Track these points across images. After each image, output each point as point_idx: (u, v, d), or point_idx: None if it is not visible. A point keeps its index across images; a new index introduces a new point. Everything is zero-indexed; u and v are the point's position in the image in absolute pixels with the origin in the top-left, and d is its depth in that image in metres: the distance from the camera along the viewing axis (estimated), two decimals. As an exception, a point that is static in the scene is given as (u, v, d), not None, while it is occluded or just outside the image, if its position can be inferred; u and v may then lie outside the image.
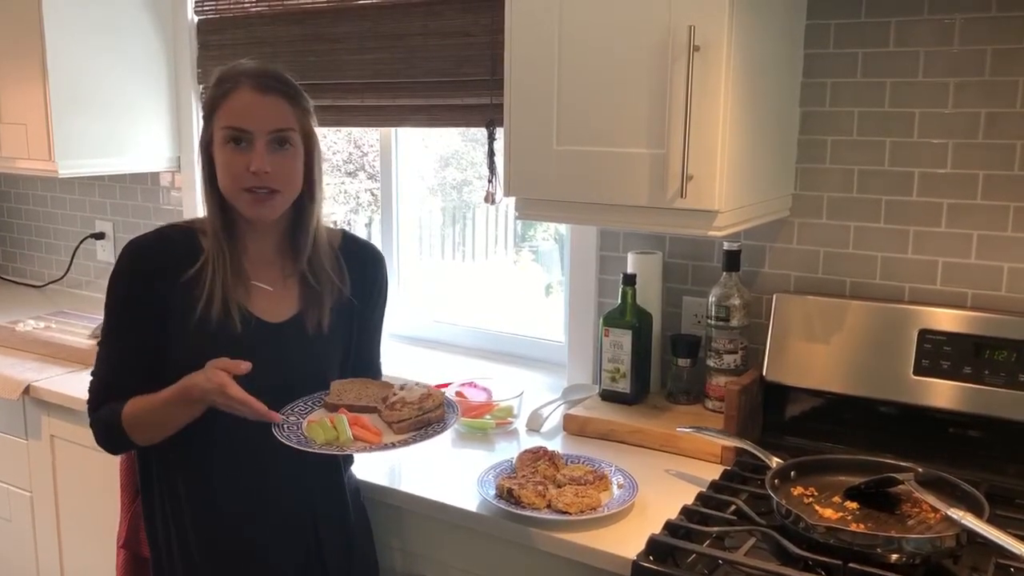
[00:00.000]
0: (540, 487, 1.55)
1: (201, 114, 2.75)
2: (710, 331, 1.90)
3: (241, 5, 2.61)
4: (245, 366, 1.40)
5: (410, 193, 2.63)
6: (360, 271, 1.65)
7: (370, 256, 1.70)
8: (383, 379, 1.70)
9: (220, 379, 1.38)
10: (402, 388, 1.55)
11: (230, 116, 1.47)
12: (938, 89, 1.71)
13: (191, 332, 1.49)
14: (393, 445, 1.45)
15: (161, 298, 1.50)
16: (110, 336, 1.55)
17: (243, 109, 1.47)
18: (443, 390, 1.62)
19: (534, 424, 1.94)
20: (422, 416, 1.49)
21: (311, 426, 1.45)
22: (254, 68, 1.51)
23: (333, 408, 1.51)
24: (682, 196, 1.52)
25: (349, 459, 1.70)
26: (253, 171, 1.45)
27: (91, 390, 1.56)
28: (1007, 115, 1.66)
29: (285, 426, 1.45)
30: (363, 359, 1.69)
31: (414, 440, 1.46)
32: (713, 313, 1.88)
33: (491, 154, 2.17)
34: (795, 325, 1.81)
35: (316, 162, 1.56)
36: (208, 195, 1.54)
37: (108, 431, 1.53)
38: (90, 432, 1.56)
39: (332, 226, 1.70)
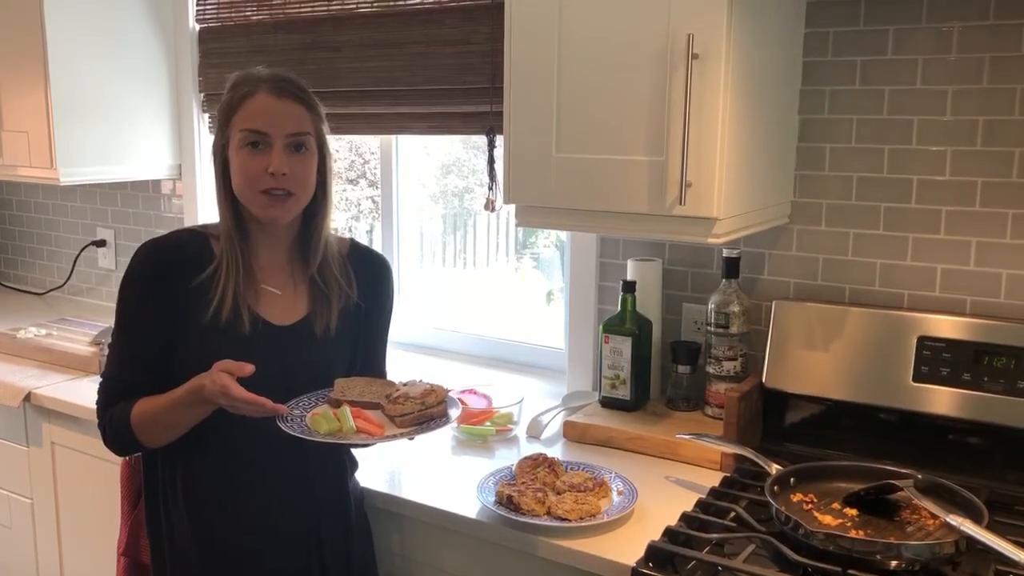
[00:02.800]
0: (540, 494, 1.55)
1: (208, 120, 2.78)
2: (710, 338, 1.90)
3: (242, 13, 2.62)
4: (249, 368, 1.41)
5: (411, 200, 2.63)
6: (367, 278, 1.67)
7: (377, 264, 1.71)
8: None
9: (223, 381, 1.39)
10: (405, 384, 1.56)
11: (248, 119, 1.49)
12: (936, 97, 1.72)
13: (201, 334, 1.50)
14: (395, 436, 1.46)
15: (172, 299, 1.51)
16: (121, 336, 1.56)
17: (262, 112, 1.49)
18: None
19: (534, 431, 1.94)
20: (424, 411, 1.50)
21: (315, 418, 1.46)
22: (271, 73, 1.54)
23: (336, 404, 1.52)
24: (681, 203, 1.52)
25: (354, 465, 1.70)
26: (271, 172, 1.47)
27: (101, 389, 1.57)
28: (1005, 123, 1.67)
29: (289, 417, 1.46)
30: (368, 365, 1.69)
31: (415, 433, 1.47)
32: (713, 320, 1.88)
33: (491, 161, 2.18)
34: (794, 332, 1.81)
35: (328, 169, 1.59)
36: (222, 200, 1.55)
37: (116, 431, 1.53)
38: (91, 439, 1.57)
39: (341, 235, 1.72)
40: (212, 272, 1.52)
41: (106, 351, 1.71)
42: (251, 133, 1.49)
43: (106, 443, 1.57)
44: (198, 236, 1.59)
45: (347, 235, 1.77)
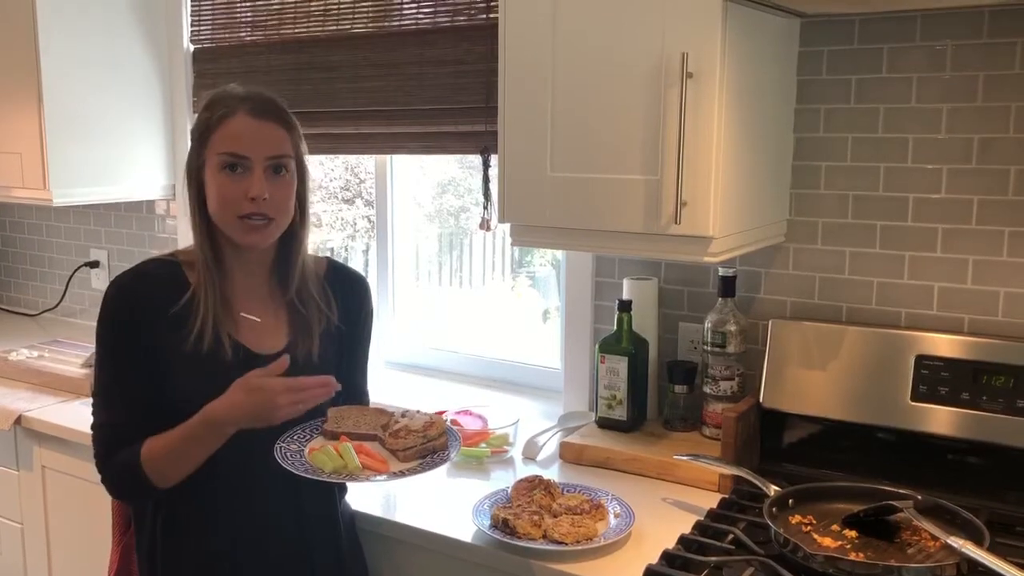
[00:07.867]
0: (536, 517, 1.53)
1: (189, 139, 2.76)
2: (706, 357, 1.89)
3: (237, 35, 2.62)
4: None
5: (406, 220, 2.63)
6: (346, 298, 1.65)
7: (355, 283, 1.69)
8: (374, 405, 1.69)
9: (256, 382, 1.38)
10: (403, 415, 1.54)
11: (227, 142, 1.45)
12: (931, 115, 1.72)
13: (183, 364, 1.47)
14: (403, 473, 1.44)
15: (149, 337, 1.48)
16: (108, 383, 1.51)
17: (240, 135, 1.45)
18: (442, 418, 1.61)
19: (530, 452, 1.93)
20: (427, 444, 1.49)
21: (315, 454, 1.44)
22: (248, 93, 1.49)
23: (332, 436, 1.50)
24: (676, 222, 1.52)
25: (343, 489, 1.68)
26: (252, 197, 1.44)
27: (97, 441, 1.51)
28: (1000, 140, 1.66)
29: (288, 454, 1.44)
30: (351, 386, 1.67)
31: (422, 468, 1.46)
32: (709, 339, 1.87)
33: (486, 181, 2.18)
34: (792, 351, 1.80)
35: (307, 191, 1.55)
36: (197, 223, 1.51)
37: (124, 477, 1.47)
38: (83, 463, 1.54)
39: (317, 254, 1.69)
40: (188, 300, 1.48)
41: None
42: (230, 156, 1.44)
43: (113, 493, 1.52)
44: (167, 265, 1.54)
45: (323, 254, 1.74)
